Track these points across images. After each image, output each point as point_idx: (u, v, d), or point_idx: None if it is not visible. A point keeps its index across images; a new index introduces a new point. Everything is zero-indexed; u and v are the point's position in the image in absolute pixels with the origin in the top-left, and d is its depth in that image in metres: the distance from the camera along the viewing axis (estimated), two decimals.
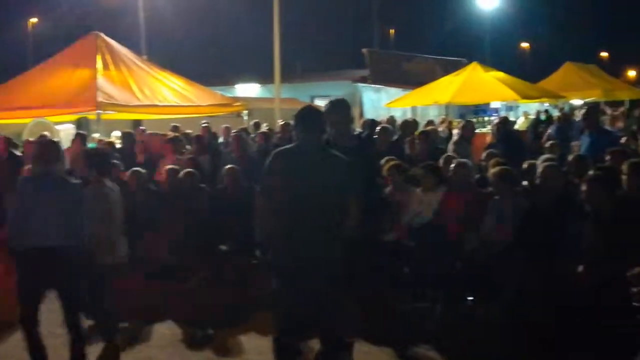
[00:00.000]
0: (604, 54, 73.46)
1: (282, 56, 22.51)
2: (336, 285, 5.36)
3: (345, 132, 6.04)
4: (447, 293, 7.43)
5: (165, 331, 7.48)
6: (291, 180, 5.37)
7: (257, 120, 17.09)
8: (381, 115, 22.56)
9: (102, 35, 15.91)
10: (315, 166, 5.39)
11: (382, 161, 9.10)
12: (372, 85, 27.86)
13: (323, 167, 5.41)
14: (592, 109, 10.67)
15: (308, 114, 5.65)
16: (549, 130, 15.41)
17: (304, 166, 5.39)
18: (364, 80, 27.97)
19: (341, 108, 6.21)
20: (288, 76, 26.87)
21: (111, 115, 14.65)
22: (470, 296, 7.46)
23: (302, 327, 5.59)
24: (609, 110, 26.24)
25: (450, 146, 11.12)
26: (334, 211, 5.39)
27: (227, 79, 31.12)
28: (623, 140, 11.72)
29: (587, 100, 27.67)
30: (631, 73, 73.48)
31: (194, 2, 30.57)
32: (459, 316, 7.22)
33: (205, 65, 37.53)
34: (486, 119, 24.63)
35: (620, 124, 18.40)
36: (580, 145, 10.19)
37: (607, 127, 14.89)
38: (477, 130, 19.01)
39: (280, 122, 14.79)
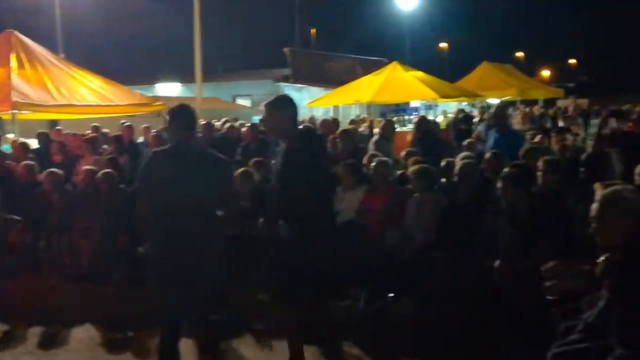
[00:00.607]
0: (520, 54, 75.51)
1: (204, 55, 22.31)
2: (211, 285, 5.55)
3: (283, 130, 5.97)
4: (369, 291, 7.49)
5: (83, 335, 7.31)
6: (167, 181, 5.42)
7: None
8: (303, 115, 22.62)
9: (17, 33, 15.44)
10: (191, 167, 5.45)
11: None
12: (294, 85, 27.91)
13: (199, 167, 5.48)
14: (500, 108, 10.98)
15: (180, 112, 5.64)
16: (479, 127, 15.73)
17: (180, 167, 5.43)
18: (285, 79, 28.01)
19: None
20: (210, 75, 26.67)
21: (27, 115, 14.24)
22: (391, 293, 7.53)
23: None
24: (523, 109, 27.03)
25: (371, 145, 11.23)
26: (210, 213, 5.53)
27: (147, 77, 30.70)
28: (537, 138, 12.10)
29: (503, 99, 28.34)
30: (545, 73, 75.70)
31: None
32: (380, 313, 7.28)
33: (125, 64, 36.92)
34: (406, 117, 25.02)
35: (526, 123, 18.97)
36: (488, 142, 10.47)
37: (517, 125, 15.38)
38: (397, 129, 19.34)
39: (202, 122, 14.64)
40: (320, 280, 5.64)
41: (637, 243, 4.15)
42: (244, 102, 28.62)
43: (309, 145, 5.70)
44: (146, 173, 5.63)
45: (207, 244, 5.52)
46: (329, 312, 6.24)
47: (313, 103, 23.28)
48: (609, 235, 4.29)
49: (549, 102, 34.48)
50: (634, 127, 10.79)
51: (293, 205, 5.58)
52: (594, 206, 4.36)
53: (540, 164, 7.36)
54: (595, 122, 9.33)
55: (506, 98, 28.18)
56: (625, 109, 15.91)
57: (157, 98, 19.80)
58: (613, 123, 8.64)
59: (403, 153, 10.18)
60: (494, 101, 27.97)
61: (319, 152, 5.84)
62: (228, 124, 14.63)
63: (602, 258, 4.73)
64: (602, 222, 4.29)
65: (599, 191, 4.63)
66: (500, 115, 10.65)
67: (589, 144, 11.87)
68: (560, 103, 37.07)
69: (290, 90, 27.96)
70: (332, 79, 27.62)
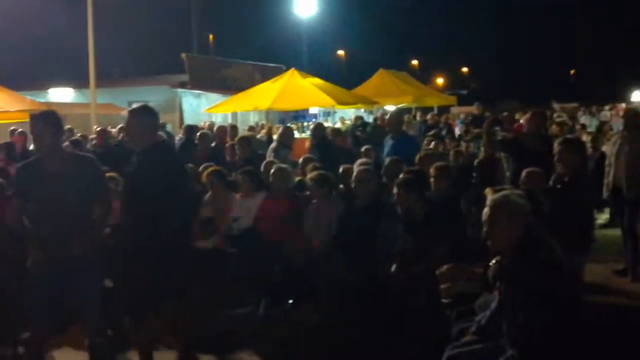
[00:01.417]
0: (415, 62, 77.17)
1: (98, 60, 21.80)
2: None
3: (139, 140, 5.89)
4: (268, 297, 7.48)
5: None
6: (39, 186, 5.48)
7: (70, 127, 16.42)
8: (202, 121, 22.40)
9: None
10: (60, 170, 5.50)
11: (201, 167, 9.08)
12: (192, 91, 27.57)
13: (70, 171, 5.51)
14: (395, 115, 11.20)
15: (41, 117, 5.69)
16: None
17: (51, 172, 5.49)
18: (183, 85, 27.62)
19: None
20: (104, 81, 26.07)
21: None
22: (290, 299, 7.54)
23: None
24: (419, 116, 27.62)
25: (269, 152, 11.24)
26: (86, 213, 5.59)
27: (39, 83, 29.71)
28: (432, 144, 12.39)
29: (399, 106, 28.86)
30: (440, 80, 77.64)
31: (5, 1, 28.87)
32: (279, 320, 7.28)
33: (16, 69, 35.57)
34: (305, 124, 25.13)
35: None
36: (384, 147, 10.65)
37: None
38: (296, 136, 19.40)
39: (97, 128, 14.31)
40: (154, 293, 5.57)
41: (525, 246, 4.30)
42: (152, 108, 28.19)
43: (160, 158, 5.67)
44: (18, 184, 5.78)
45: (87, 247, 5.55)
46: (179, 324, 6.15)
47: (211, 109, 23.08)
48: (499, 238, 4.43)
49: (443, 109, 35.32)
50: (518, 132, 11.20)
51: (134, 216, 5.64)
52: (485, 211, 4.49)
53: (432, 170, 7.54)
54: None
55: (402, 105, 28.70)
56: (504, 116, 16.46)
57: (49, 104, 19.18)
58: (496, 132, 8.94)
59: (301, 160, 10.22)
60: (391, 108, 28.48)
61: (171, 166, 5.79)
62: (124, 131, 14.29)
63: (493, 261, 4.88)
64: (492, 226, 4.42)
65: (490, 196, 4.77)
66: (395, 121, 10.84)
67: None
68: (454, 110, 38.07)
69: (188, 96, 27.67)
70: (231, 85, 27.49)
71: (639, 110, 9.38)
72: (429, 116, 25.62)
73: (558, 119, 23.17)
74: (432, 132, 16.33)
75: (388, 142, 10.54)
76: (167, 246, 5.41)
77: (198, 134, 12.20)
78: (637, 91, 47.48)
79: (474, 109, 36.85)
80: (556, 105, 35.42)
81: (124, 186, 6.00)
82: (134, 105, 5.94)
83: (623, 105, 32.60)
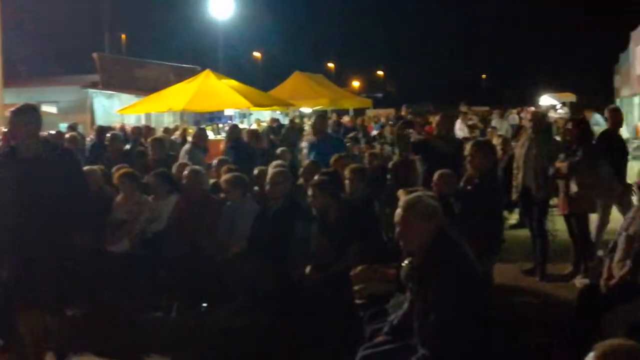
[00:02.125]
0: (331, 65, 77.72)
1: (5, 59, 21.11)
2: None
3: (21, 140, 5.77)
4: (181, 301, 7.37)
5: None
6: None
7: None
8: (114, 122, 21.96)
9: None
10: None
11: (114, 169, 8.88)
12: (104, 91, 27.00)
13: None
14: (319, 117, 11.24)
15: None
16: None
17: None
18: (94, 85, 27.00)
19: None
20: (12, 80, 25.24)
21: None
22: (204, 303, 7.45)
23: None
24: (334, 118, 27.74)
25: (183, 153, 11.09)
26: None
27: None
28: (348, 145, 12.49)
29: (315, 108, 28.99)
30: (355, 83, 78.39)
31: None
32: (192, 324, 7.18)
33: None
34: (220, 126, 24.94)
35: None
36: (309, 150, 10.66)
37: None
38: (212, 137, 19.24)
39: (3, 129, 13.82)
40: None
41: (436, 247, 4.35)
42: (50, 108, 27.28)
43: (44, 159, 5.58)
44: None
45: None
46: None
47: (124, 110, 22.66)
48: (410, 239, 4.47)
49: (359, 112, 35.65)
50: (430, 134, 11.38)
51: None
52: (397, 212, 4.53)
53: (347, 171, 7.58)
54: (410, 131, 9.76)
55: (318, 107, 28.82)
56: (410, 119, 16.71)
57: None
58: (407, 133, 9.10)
59: (215, 161, 10.12)
60: (307, 110, 28.59)
61: (57, 166, 5.70)
62: None
63: (405, 262, 4.93)
64: (404, 227, 4.45)
65: (402, 197, 4.81)
66: (319, 123, 10.88)
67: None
68: (369, 113, 38.47)
69: (100, 96, 27.08)
70: (144, 86, 27.01)
71: (546, 114, 9.66)
72: (347, 118, 25.82)
73: (469, 122, 23.73)
74: (350, 135, 16.47)
75: (312, 144, 10.56)
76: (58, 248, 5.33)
77: (108, 135, 11.93)
78: (544, 95, 49.14)
79: (389, 112, 37.38)
80: (464, 108, 36.24)
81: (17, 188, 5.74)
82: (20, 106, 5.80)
83: (532, 108, 33.61)
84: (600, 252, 6.89)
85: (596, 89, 49.78)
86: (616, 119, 9.75)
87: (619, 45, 26.72)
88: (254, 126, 23.71)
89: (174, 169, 9.17)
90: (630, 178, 8.92)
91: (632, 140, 22.56)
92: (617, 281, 5.62)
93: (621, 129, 9.84)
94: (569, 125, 8.65)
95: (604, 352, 2.62)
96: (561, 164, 8.37)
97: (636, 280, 5.33)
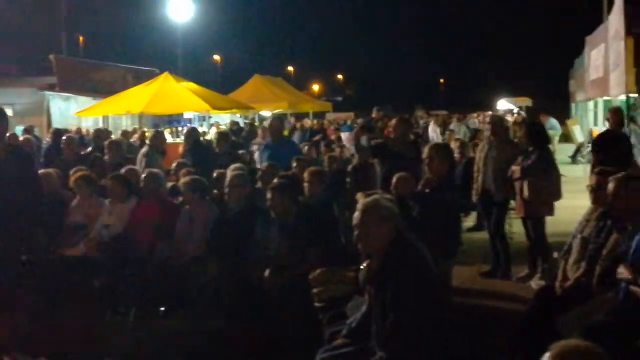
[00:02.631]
0: (291, 69, 77.79)
1: None
2: None
3: None
4: (139, 305, 7.29)
5: None
6: None
7: None
8: (71, 125, 21.68)
9: None
10: None
11: (71, 172, 8.76)
12: (61, 94, 26.60)
13: None
14: (276, 120, 11.25)
15: None
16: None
17: None
18: (51, 88, 26.59)
19: None
20: None
21: None
22: (163, 306, 7.38)
23: None
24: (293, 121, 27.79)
25: (140, 156, 10.99)
26: None
27: None
28: (306, 149, 12.48)
29: (275, 112, 28.95)
30: (315, 87, 78.62)
31: None
32: (150, 327, 7.11)
33: None
34: (180, 129, 24.78)
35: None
36: (261, 153, 10.65)
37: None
38: (171, 141, 19.10)
39: None
40: None
41: (394, 250, 4.37)
42: (6, 111, 26.94)
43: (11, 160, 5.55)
44: None
45: None
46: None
47: (82, 113, 22.34)
48: (369, 242, 4.48)
49: (319, 116, 35.74)
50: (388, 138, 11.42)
51: None
52: (356, 215, 4.54)
53: (306, 175, 7.59)
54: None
55: (278, 111, 28.78)
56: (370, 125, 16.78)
57: None
58: (364, 140, 9.15)
59: (174, 165, 10.06)
60: (267, 114, 28.55)
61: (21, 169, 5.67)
62: None
63: (364, 265, 4.94)
64: (363, 229, 4.47)
65: (361, 200, 4.83)
66: (275, 127, 10.87)
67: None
68: (329, 116, 38.57)
69: (57, 99, 26.68)
70: (102, 89, 26.67)
71: (505, 118, 9.79)
72: (315, 122, 25.86)
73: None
74: (317, 138, 16.52)
75: (266, 146, 10.56)
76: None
77: (64, 138, 11.77)
78: (502, 100, 49.80)
79: (349, 115, 37.51)
80: (420, 113, 36.57)
81: None
82: None
83: (489, 113, 34.01)
84: (555, 255, 6.98)
85: (552, 94, 50.60)
86: (617, 119, 10.09)
87: (574, 51, 27.13)
88: (213, 130, 23.62)
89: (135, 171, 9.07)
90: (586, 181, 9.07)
91: (587, 145, 22.94)
92: (572, 283, 5.70)
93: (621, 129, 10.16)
94: (526, 129, 8.78)
95: (560, 353, 2.65)
96: (516, 168, 8.50)
97: (591, 282, 5.41)
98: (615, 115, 10.31)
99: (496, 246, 9.08)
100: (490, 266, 9.04)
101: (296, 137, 21.15)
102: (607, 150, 9.48)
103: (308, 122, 28.43)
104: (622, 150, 9.66)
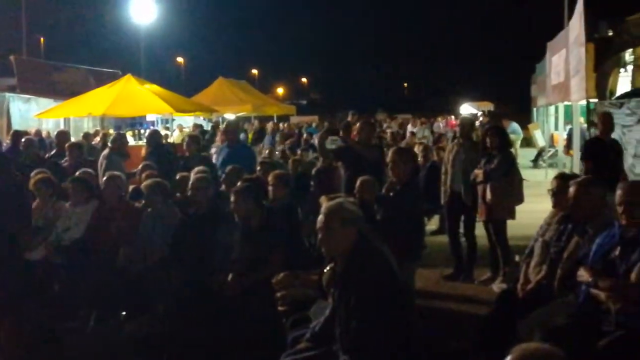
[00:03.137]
0: (255, 71, 77.67)
1: None
2: None
3: None
4: (100, 309, 7.20)
5: None
6: None
7: None
8: (31, 127, 21.35)
9: None
10: None
11: (32, 174, 8.63)
12: (21, 95, 26.20)
13: None
14: (232, 124, 11.23)
15: None
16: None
17: None
18: (11, 89, 26.17)
19: None
20: None
21: None
22: (123, 311, 7.29)
23: None
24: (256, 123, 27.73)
25: (102, 159, 10.87)
26: None
27: None
28: (267, 152, 12.48)
29: (238, 114, 28.84)
30: (279, 90, 78.60)
31: None
32: (111, 332, 7.02)
33: None
34: (142, 131, 24.56)
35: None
36: (217, 156, 10.59)
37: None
38: (133, 143, 18.93)
39: None
40: None
41: (357, 253, 4.36)
42: None
43: None
44: None
45: None
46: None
47: (42, 115, 22.03)
48: (332, 245, 4.47)
49: (282, 119, 35.68)
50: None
51: None
52: (319, 218, 4.53)
53: (270, 178, 7.57)
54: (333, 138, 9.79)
55: (241, 114, 28.69)
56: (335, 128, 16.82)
57: None
58: (328, 143, 9.15)
59: (139, 167, 9.95)
60: (230, 116, 28.44)
61: None
62: None
63: (327, 268, 4.93)
64: (326, 233, 4.46)
65: (325, 204, 4.81)
66: (231, 130, 10.82)
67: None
68: (293, 119, 38.54)
69: (17, 100, 26.23)
70: (63, 90, 26.32)
71: (474, 120, 9.83)
72: (285, 125, 25.83)
73: (388, 130, 24.09)
74: (289, 141, 16.47)
75: (223, 151, 10.51)
76: None
77: (23, 140, 11.59)
78: (464, 104, 50.31)
79: (313, 119, 37.52)
80: (382, 116, 36.76)
81: None
82: None
83: (453, 117, 34.28)
84: (517, 258, 7.04)
85: (514, 98, 51.18)
86: (607, 125, 9.66)
87: (536, 56, 27.48)
88: (177, 132, 23.47)
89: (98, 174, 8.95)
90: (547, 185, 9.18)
91: (548, 149, 23.25)
92: (533, 286, 5.75)
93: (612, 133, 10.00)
94: (491, 134, 8.84)
95: (520, 356, 2.66)
96: (479, 171, 8.57)
97: (552, 285, 5.46)
98: (606, 120, 9.79)
99: (457, 249, 9.16)
100: (453, 269, 9.09)
101: (267, 140, 21.18)
102: (598, 157, 9.15)
103: (270, 125, 28.40)
104: (612, 158, 9.38)
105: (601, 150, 9.26)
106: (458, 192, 9.02)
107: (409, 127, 28.17)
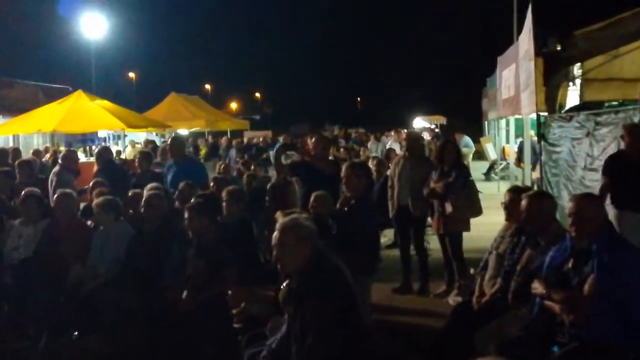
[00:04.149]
0: (208, 86, 77.42)
1: None
2: None
3: None
4: (51, 329, 7.05)
5: None
6: None
7: None
8: None
9: None
10: None
11: None
12: None
13: None
14: (176, 140, 11.17)
15: None
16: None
17: None
18: None
19: None
20: None
21: None
22: (75, 329, 7.15)
23: None
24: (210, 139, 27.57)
25: (52, 176, 10.68)
26: None
27: None
28: (221, 168, 12.42)
29: (191, 130, 28.67)
30: (233, 105, 78.44)
31: None
32: (62, 351, 6.88)
33: None
34: (94, 147, 24.26)
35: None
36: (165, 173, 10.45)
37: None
38: (84, 160, 18.67)
39: None
40: None
41: (312, 269, 4.35)
42: None
43: None
44: None
45: None
46: None
47: None
48: (288, 261, 4.46)
49: (236, 133, 35.59)
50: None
51: None
52: (275, 234, 4.51)
53: (224, 194, 7.52)
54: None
55: (194, 129, 28.52)
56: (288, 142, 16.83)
57: None
58: (283, 158, 9.15)
59: (90, 184, 9.79)
60: (183, 132, 28.26)
61: None
62: None
63: (284, 284, 4.90)
64: (281, 249, 4.44)
65: (280, 220, 4.80)
66: (176, 146, 10.65)
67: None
68: (247, 134, 38.46)
69: None
70: (12, 107, 25.92)
71: (420, 134, 9.89)
72: (261, 139, 25.74)
73: (342, 144, 24.21)
74: (264, 156, 16.49)
75: (169, 166, 10.36)
76: None
77: None
78: (417, 118, 50.80)
79: (266, 133, 37.47)
80: (337, 131, 36.92)
81: None
82: None
83: (404, 131, 34.56)
84: (472, 271, 7.10)
85: (465, 112, 51.79)
86: (636, 138, 7.97)
87: (487, 70, 27.87)
88: (129, 148, 23.21)
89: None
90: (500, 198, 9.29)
91: (500, 162, 23.55)
92: (488, 298, 5.80)
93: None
94: (447, 148, 8.92)
95: None
96: (436, 185, 8.62)
97: (506, 297, 5.50)
98: (635, 133, 8.00)
99: (406, 263, 9.20)
100: (401, 282, 9.11)
101: (232, 154, 21.04)
102: (622, 174, 7.89)
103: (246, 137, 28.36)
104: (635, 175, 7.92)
105: (624, 167, 7.97)
106: (405, 205, 9.09)
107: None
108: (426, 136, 26.68)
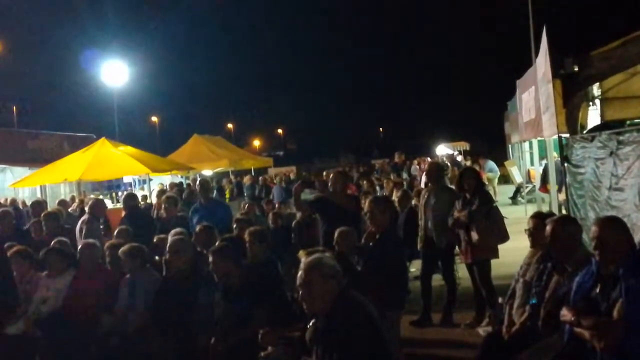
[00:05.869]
0: (230, 125, 78.03)
1: None
2: None
3: None
4: None
5: None
6: None
7: None
8: (6, 196, 21.20)
9: None
10: None
11: (5, 247, 8.51)
12: None
13: None
14: (202, 182, 11.32)
15: None
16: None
17: None
18: None
19: None
20: None
21: None
22: None
23: None
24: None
25: (81, 224, 10.76)
26: None
27: None
28: (245, 207, 12.45)
29: (216, 170, 28.81)
30: (256, 142, 78.95)
31: None
32: None
33: None
34: (120, 193, 24.46)
35: None
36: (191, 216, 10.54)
37: None
38: (112, 206, 18.80)
39: None
40: None
41: (338, 308, 4.32)
42: None
43: None
44: None
45: None
46: None
47: (17, 184, 21.88)
48: (313, 301, 4.43)
49: (260, 171, 35.75)
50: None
51: None
52: (299, 274, 4.50)
53: (246, 235, 7.51)
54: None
55: (219, 169, 28.66)
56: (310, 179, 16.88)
57: None
58: (307, 193, 9.16)
59: (116, 232, 9.84)
60: (208, 173, 28.41)
61: None
62: None
63: (310, 324, 4.88)
64: (306, 288, 4.42)
65: (303, 259, 4.78)
66: (205, 188, 10.80)
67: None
68: (271, 171, 38.60)
69: None
70: (38, 157, 26.26)
71: (442, 164, 9.85)
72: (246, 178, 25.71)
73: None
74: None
75: (195, 209, 10.47)
76: None
77: None
78: (440, 145, 50.65)
79: (290, 169, 37.58)
80: (395, 157, 36.87)
81: None
82: None
83: (429, 159, 34.44)
84: (500, 300, 7.01)
85: (488, 136, 51.63)
86: None
87: (507, 93, 27.80)
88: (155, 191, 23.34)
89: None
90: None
91: (525, 185, 23.37)
92: (518, 327, 5.73)
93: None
94: (466, 176, 8.88)
95: None
96: (460, 214, 8.56)
97: (536, 325, 5.43)
98: None
99: (426, 294, 9.08)
100: (419, 314, 8.98)
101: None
102: None
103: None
104: None
105: None
106: (432, 237, 9.04)
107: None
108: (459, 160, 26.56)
